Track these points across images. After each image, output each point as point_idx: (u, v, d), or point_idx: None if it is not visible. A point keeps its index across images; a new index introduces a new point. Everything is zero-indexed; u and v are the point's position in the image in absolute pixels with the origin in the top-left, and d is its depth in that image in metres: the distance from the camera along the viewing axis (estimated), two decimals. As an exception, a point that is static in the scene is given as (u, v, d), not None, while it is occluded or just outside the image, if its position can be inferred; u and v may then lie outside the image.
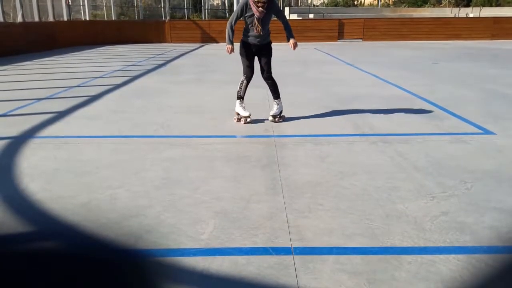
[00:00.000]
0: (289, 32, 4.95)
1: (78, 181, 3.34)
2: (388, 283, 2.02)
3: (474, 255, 2.26)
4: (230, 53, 4.97)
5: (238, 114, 5.15)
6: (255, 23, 4.77)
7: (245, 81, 5.10)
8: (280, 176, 3.40)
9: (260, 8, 4.67)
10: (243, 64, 5.07)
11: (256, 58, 5.08)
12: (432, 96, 6.57)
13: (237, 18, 4.88)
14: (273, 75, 5.17)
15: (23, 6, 15.44)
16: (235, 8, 5.14)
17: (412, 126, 4.92)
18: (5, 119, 5.46)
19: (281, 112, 5.21)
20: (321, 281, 2.04)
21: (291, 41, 4.93)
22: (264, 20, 4.79)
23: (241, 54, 5.02)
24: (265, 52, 5.02)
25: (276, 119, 5.18)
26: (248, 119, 5.12)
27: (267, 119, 5.20)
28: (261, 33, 4.84)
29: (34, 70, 10.51)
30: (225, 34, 4.99)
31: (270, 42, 5.08)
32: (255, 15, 4.73)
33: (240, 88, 5.12)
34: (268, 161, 3.78)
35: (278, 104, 5.17)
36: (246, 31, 4.93)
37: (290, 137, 4.53)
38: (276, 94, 5.19)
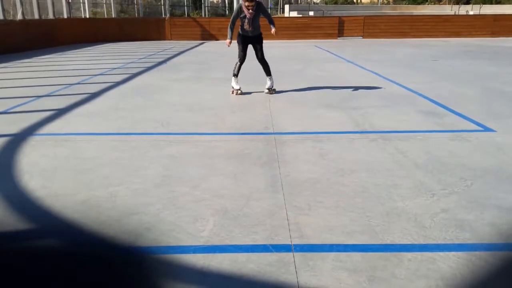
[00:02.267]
0: (272, 24, 6.54)
1: (77, 179, 3.34)
2: (388, 280, 2.02)
3: (474, 252, 2.25)
4: (229, 46, 6.62)
5: (232, 87, 6.75)
6: (245, 22, 6.29)
7: (238, 63, 6.66)
8: (280, 174, 3.40)
9: (250, 11, 6.15)
10: (238, 50, 6.59)
11: (250, 46, 6.56)
12: (432, 94, 6.56)
13: (235, 19, 6.38)
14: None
15: (23, 3, 15.41)
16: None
17: (412, 123, 4.92)
18: (5, 117, 5.46)
19: (272, 86, 6.82)
20: (321, 279, 2.04)
21: (273, 29, 6.48)
22: (253, 20, 6.28)
23: (238, 42, 6.57)
24: (257, 42, 6.56)
25: (270, 91, 6.80)
26: (239, 91, 6.72)
27: (266, 115, 5.24)
28: (251, 29, 6.34)
29: (34, 67, 10.50)
30: (227, 32, 6.46)
31: (261, 34, 6.58)
32: (247, 16, 6.21)
33: (234, 68, 6.69)
34: (268, 158, 3.77)
35: (270, 80, 6.81)
36: (241, 27, 6.45)
37: (290, 134, 4.53)
38: (267, 72, 6.80)
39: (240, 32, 6.47)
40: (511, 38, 19.71)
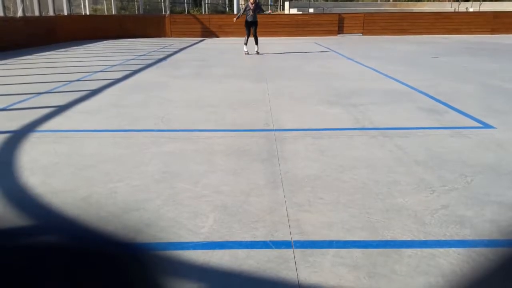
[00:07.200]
0: (262, 12, 12.53)
1: (78, 175, 3.34)
2: (388, 276, 2.03)
3: (474, 248, 2.26)
4: (235, 21, 12.92)
5: (243, 50, 12.20)
6: (250, 12, 11.58)
7: (246, 38, 12.07)
8: (280, 170, 3.40)
9: (253, 5, 11.49)
10: (245, 31, 12.03)
11: (251, 29, 11.95)
12: (432, 90, 6.56)
13: (244, 11, 11.90)
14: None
15: (24, 0, 15.37)
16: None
17: (412, 120, 4.91)
18: (6, 113, 5.46)
19: (258, 50, 12.16)
20: (321, 275, 2.05)
21: (267, 11, 14.79)
22: (254, 11, 11.57)
23: (245, 26, 11.92)
24: (255, 25, 11.81)
25: (257, 52, 12.04)
26: (247, 53, 12.03)
27: (266, 112, 5.27)
28: (253, 15, 11.65)
29: (34, 64, 10.49)
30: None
31: (257, 21, 11.83)
32: (251, 8, 11.54)
33: (244, 39, 12.15)
34: (268, 155, 3.77)
35: (257, 47, 12.16)
36: (246, 16, 11.66)
37: (290, 131, 4.53)
38: (256, 42, 12.05)
39: (246, 19, 11.75)
40: (511, 35, 19.69)
